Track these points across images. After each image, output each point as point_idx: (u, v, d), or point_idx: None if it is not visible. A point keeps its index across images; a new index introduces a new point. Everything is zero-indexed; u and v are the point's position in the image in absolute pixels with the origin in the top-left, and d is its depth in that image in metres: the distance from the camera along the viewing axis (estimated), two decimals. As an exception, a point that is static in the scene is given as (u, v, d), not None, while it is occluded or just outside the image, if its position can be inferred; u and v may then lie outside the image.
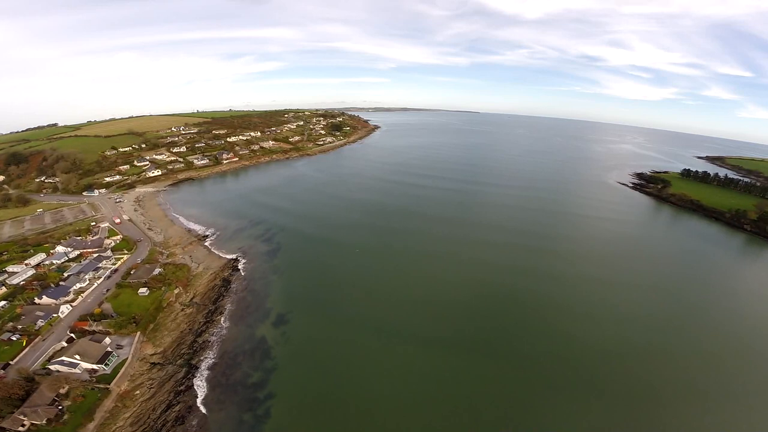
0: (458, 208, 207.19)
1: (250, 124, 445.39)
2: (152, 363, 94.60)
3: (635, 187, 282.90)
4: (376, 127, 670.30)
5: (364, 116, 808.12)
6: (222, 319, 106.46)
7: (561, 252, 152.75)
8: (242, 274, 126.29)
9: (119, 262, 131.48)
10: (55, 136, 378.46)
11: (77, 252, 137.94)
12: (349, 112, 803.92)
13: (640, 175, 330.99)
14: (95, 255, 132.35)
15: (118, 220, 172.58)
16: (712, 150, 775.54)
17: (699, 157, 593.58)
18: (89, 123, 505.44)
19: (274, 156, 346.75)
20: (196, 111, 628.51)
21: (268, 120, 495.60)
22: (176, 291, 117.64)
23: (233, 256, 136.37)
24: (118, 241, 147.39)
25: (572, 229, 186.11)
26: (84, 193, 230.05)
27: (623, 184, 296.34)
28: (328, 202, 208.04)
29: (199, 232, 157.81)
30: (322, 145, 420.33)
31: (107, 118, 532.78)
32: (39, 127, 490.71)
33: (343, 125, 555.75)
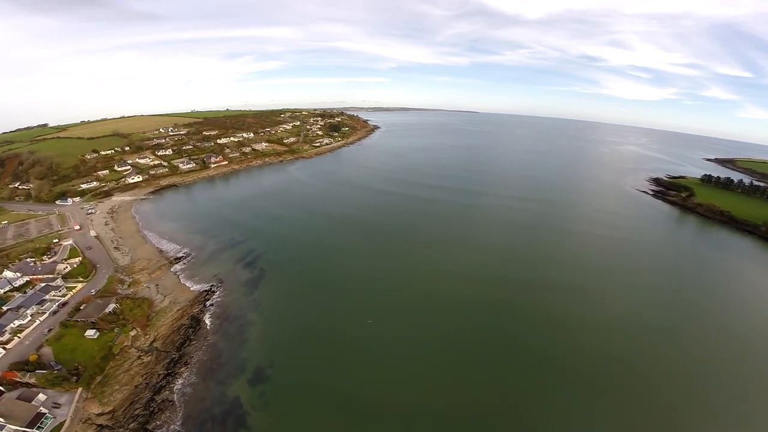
0: (462, 228, 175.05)
1: (243, 125, 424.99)
2: (98, 426, 75.68)
3: (656, 195, 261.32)
4: (376, 128, 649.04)
5: (363, 116, 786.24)
6: (187, 372, 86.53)
7: (585, 287, 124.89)
8: (216, 310, 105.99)
9: (70, 294, 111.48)
10: (38, 138, 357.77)
11: (26, 278, 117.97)
12: (349, 112, 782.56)
13: (657, 181, 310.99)
14: (43, 284, 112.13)
15: (77, 226, 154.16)
16: (714, 151, 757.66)
17: (708, 159, 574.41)
18: (83, 123, 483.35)
19: (266, 159, 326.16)
20: (192, 111, 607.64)
21: (263, 120, 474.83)
22: (132, 333, 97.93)
23: (207, 286, 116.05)
24: (75, 265, 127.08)
25: (596, 255, 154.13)
26: (57, 202, 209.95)
27: (642, 191, 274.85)
28: (320, 216, 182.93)
29: (172, 254, 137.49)
30: (318, 146, 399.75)
31: (99, 119, 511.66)
32: (28, 128, 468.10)
33: (342, 125, 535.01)
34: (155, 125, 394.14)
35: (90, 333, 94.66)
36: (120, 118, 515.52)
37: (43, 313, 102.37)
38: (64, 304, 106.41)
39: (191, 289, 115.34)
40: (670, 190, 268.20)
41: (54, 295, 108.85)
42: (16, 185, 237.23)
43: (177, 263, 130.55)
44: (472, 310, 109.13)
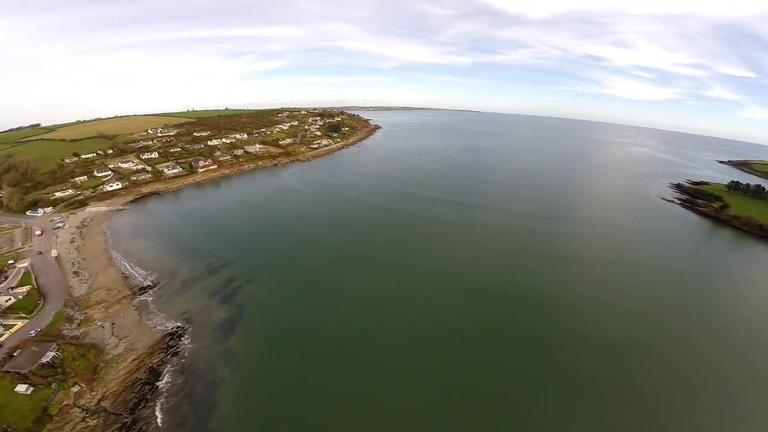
0: (466, 259, 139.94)
1: (237, 125, 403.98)
2: None
3: (684, 204, 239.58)
4: (377, 128, 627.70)
5: (364, 115, 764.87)
6: (138, 445, 66.88)
7: (618, 344, 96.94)
8: (180, 362, 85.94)
9: (6, 334, 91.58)
10: (23, 140, 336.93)
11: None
12: (350, 111, 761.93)
13: (680, 187, 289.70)
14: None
15: (38, 245, 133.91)
16: (722, 152, 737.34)
17: (721, 162, 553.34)
18: (78, 122, 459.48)
19: (259, 162, 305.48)
20: (189, 110, 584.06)
21: (259, 120, 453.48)
22: (75, 389, 78.22)
23: (172, 328, 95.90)
24: (21, 296, 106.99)
25: (633, 302, 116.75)
26: (28, 212, 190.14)
27: (668, 200, 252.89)
28: (309, 238, 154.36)
29: (138, 282, 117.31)
30: (316, 148, 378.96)
31: (93, 118, 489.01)
32: (20, 128, 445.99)
33: (342, 125, 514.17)
34: (144, 126, 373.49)
35: (21, 388, 75.45)
36: (113, 117, 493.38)
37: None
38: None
39: (153, 330, 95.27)
40: (697, 198, 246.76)
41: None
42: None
43: (142, 294, 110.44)
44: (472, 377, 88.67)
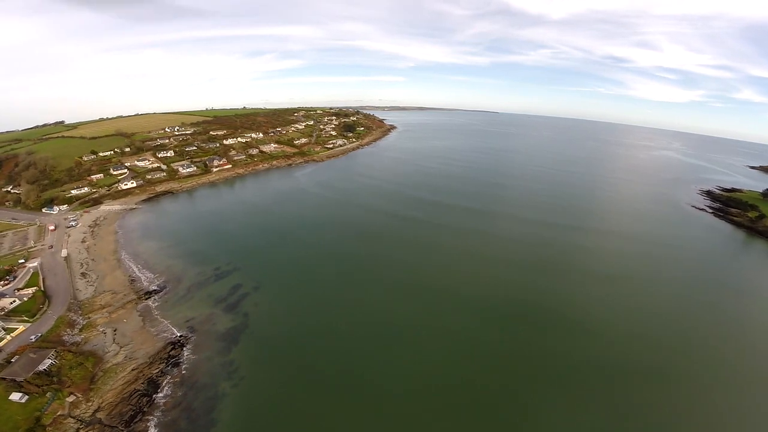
0: (483, 277, 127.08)
1: (253, 124, 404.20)
2: None
3: (717, 213, 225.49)
4: (392, 127, 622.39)
5: (379, 115, 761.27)
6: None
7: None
8: (180, 373, 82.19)
9: (7, 339, 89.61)
10: (45, 137, 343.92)
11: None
12: (365, 111, 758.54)
13: (710, 194, 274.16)
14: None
15: (50, 244, 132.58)
16: (753, 157, 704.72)
17: (752, 167, 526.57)
18: (101, 120, 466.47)
19: (274, 162, 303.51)
20: (208, 108, 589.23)
21: (275, 119, 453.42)
22: (70, 399, 75.28)
23: (175, 336, 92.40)
24: (26, 298, 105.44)
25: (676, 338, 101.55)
26: (44, 210, 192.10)
27: (699, 208, 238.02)
28: (319, 242, 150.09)
29: (144, 285, 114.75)
30: (331, 148, 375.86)
31: (115, 116, 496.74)
32: (45, 125, 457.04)
33: (357, 125, 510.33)
34: (162, 124, 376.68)
35: (15, 396, 72.92)
36: (133, 115, 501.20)
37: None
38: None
39: (155, 338, 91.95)
40: (729, 206, 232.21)
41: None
42: (8, 189, 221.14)
43: (147, 299, 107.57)
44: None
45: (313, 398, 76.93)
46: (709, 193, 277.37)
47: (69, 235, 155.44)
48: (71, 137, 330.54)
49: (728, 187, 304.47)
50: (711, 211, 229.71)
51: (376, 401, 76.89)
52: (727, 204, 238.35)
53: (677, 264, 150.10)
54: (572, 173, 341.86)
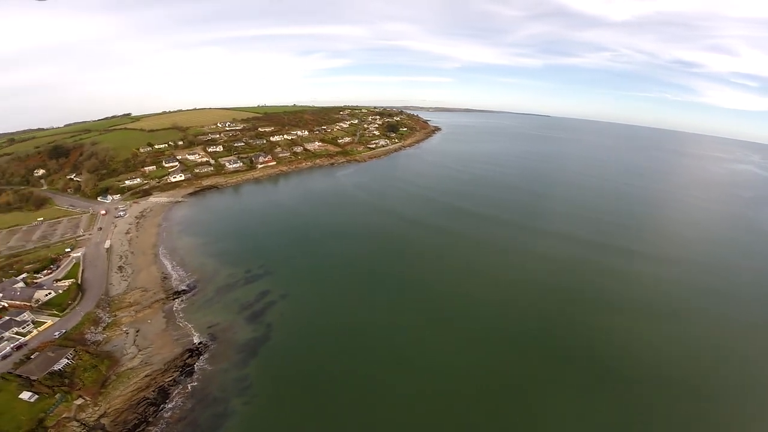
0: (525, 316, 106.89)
1: (300, 121, 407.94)
2: None
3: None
4: (437, 129, 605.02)
5: (424, 116, 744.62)
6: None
7: None
8: (192, 384, 77.15)
9: (33, 333, 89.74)
10: (110, 128, 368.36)
11: (4, 303, 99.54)
12: (409, 111, 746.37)
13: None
14: (7, 317, 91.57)
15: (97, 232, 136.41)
16: None
17: None
18: (163, 113, 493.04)
19: (317, 161, 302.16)
20: (260, 105, 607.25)
21: (321, 117, 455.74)
22: (78, 402, 72.60)
23: (194, 343, 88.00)
24: (61, 291, 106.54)
25: None
26: (99, 198, 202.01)
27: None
28: (350, 251, 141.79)
29: (175, 284, 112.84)
30: (373, 148, 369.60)
31: (175, 110, 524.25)
32: (113, 117, 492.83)
33: (400, 126, 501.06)
34: (215, 119, 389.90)
35: (25, 395, 71.22)
36: (191, 110, 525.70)
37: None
38: (19, 346, 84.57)
39: (175, 342, 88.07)
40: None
41: (15, 333, 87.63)
42: (72, 176, 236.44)
43: (175, 299, 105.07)
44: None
45: (325, 425, 68.47)
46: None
47: (115, 226, 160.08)
48: (133, 129, 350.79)
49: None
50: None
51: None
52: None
53: (758, 305, 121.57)
54: (633, 186, 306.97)
